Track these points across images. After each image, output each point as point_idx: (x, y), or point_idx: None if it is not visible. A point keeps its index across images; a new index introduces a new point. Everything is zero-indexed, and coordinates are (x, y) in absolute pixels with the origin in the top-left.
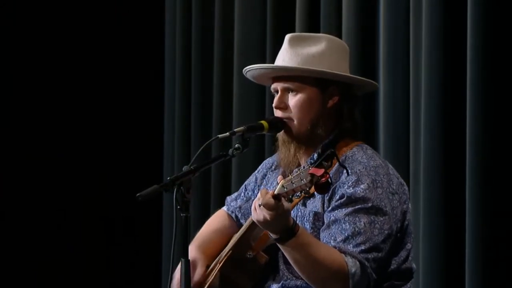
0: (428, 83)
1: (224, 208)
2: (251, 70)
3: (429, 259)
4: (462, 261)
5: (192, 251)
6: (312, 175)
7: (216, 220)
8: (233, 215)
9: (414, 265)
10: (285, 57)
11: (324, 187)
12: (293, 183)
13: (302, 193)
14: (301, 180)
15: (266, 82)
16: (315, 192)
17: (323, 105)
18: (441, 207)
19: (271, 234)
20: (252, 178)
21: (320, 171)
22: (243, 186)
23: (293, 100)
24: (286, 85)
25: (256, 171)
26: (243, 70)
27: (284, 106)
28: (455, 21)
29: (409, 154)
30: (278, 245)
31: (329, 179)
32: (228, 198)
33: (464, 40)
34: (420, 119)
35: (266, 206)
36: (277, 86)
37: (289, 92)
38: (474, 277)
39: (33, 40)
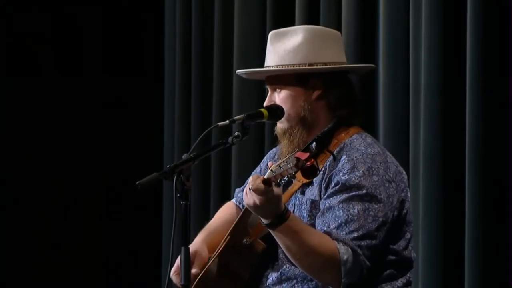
0: (427, 74)
1: (233, 200)
2: (240, 73)
3: (429, 249)
4: (462, 251)
5: (197, 243)
6: (298, 159)
7: (224, 211)
8: (241, 206)
9: (414, 255)
10: (267, 56)
11: (309, 171)
12: (280, 167)
13: (289, 177)
14: (288, 164)
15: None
16: (304, 177)
17: (307, 98)
18: (440, 197)
19: (262, 220)
20: (257, 169)
21: (305, 155)
22: (250, 176)
23: (278, 98)
24: (270, 85)
25: (262, 162)
26: (236, 72)
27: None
28: (455, 11)
29: (409, 144)
30: (269, 230)
31: (315, 164)
32: (236, 190)
33: (464, 29)
34: (420, 109)
35: (256, 191)
36: (266, 86)
37: (275, 91)
38: (473, 267)
39: (35, 37)
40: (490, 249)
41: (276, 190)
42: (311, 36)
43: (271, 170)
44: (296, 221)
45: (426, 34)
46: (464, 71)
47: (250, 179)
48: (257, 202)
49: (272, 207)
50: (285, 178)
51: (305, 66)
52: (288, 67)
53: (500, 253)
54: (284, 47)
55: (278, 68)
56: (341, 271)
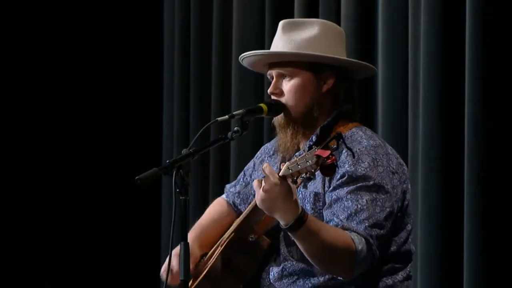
0: (426, 67)
1: (223, 196)
2: (246, 57)
3: (428, 242)
4: (460, 244)
5: (189, 240)
6: (318, 156)
7: (215, 209)
8: (231, 202)
9: (413, 247)
10: (278, 44)
11: (330, 168)
12: (298, 165)
13: (307, 175)
14: (307, 161)
15: (262, 69)
16: (321, 174)
17: (317, 90)
18: (439, 191)
19: (281, 223)
20: (250, 164)
21: (326, 153)
22: (242, 172)
23: (287, 85)
24: (280, 71)
25: (255, 157)
26: (239, 58)
27: (279, 92)
28: (454, 4)
29: (408, 138)
30: (290, 234)
31: (335, 161)
32: (227, 186)
33: (463, 24)
34: (418, 103)
35: (271, 187)
36: (272, 72)
37: (283, 78)
38: (472, 260)
39: (34, 33)
40: (489, 242)
41: (293, 186)
42: (327, 30)
43: (288, 167)
44: (314, 221)
45: (425, 28)
46: (463, 65)
47: (264, 175)
48: (274, 199)
49: (288, 205)
50: (303, 175)
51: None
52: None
53: (499, 246)
54: (300, 37)
55: (299, 51)
56: (356, 261)
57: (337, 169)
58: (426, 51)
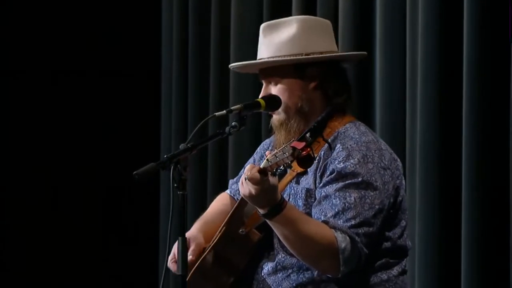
0: (424, 63)
1: (227, 191)
2: (234, 68)
3: (425, 239)
4: (458, 241)
5: (193, 231)
6: (294, 148)
7: (219, 202)
8: (235, 198)
9: (409, 243)
10: (260, 49)
11: (305, 160)
12: (276, 157)
13: (285, 167)
14: (284, 153)
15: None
16: (299, 167)
17: (304, 89)
18: (437, 188)
19: (258, 210)
20: (251, 160)
21: (301, 144)
22: (243, 168)
23: (274, 90)
24: (265, 77)
25: (255, 153)
26: (229, 66)
27: None
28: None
29: (406, 134)
30: (267, 220)
31: (311, 153)
32: (230, 181)
33: (461, 20)
34: (416, 99)
35: (251, 180)
36: (261, 79)
37: (271, 83)
38: (470, 257)
39: (32, 33)
40: (486, 239)
41: (272, 179)
42: (305, 26)
43: (267, 159)
44: (293, 211)
45: (423, 24)
46: (461, 61)
47: (245, 168)
48: (253, 192)
49: (268, 196)
50: (281, 167)
51: (302, 56)
52: (285, 57)
53: (496, 243)
54: (279, 39)
55: (275, 59)
56: (340, 259)
57: (328, 164)
58: (424, 47)
